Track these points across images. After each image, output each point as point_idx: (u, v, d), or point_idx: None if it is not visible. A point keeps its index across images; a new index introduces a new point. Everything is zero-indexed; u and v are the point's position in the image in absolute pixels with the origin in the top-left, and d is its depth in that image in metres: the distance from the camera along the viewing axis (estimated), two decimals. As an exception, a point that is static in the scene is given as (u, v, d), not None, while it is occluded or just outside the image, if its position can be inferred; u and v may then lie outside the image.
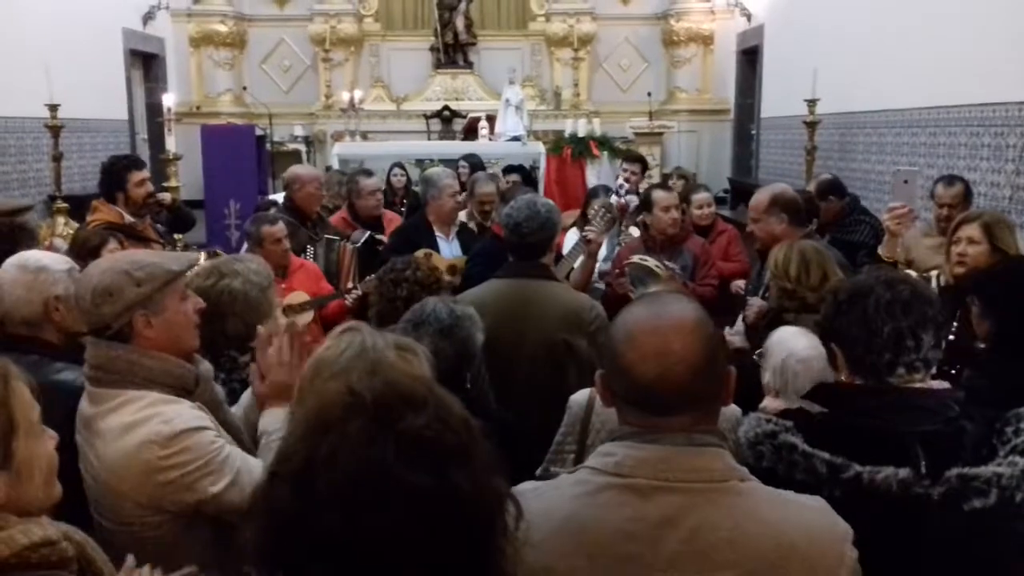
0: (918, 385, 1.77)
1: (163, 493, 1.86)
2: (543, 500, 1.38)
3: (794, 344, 2.53)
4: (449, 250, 4.62)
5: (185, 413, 1.93)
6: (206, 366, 2.14)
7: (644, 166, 6.88)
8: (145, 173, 4.79)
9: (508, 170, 7.41)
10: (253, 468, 1.93)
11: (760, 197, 3.67)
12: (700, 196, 5.38)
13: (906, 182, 3.36)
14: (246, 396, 2.27)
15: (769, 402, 2.55)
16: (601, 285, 4.25)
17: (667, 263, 4.03)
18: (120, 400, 1.93)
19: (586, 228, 3.87)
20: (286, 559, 1.02)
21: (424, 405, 1.06)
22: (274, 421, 2.04)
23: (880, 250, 3.42)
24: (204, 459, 1.88)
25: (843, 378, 1.86)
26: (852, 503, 1.44)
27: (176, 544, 1.87)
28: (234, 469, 1.91)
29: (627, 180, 6.10)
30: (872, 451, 1.66)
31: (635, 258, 3.96)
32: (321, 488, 1.00)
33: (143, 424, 1.88)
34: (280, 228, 4.13)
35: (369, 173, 5.67)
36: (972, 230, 3.15)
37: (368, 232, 4.92)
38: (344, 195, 6.83)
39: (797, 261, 3.01)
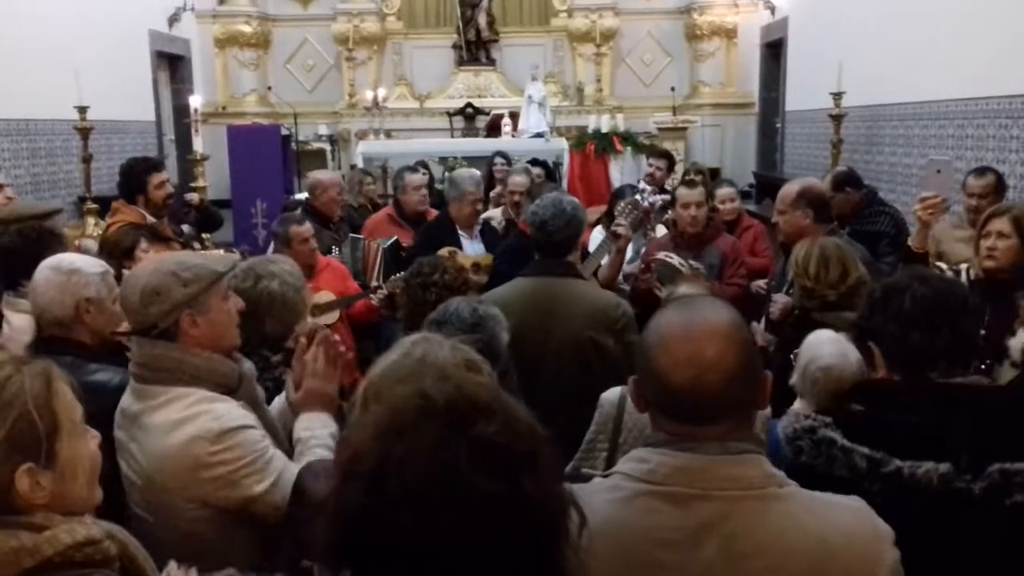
0: (957, 380, 1.76)
1: (209, 489, 1.90)
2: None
3: (819, 350, 2.53)
4: (472, 248, 4.64)
5: (234, 411, 1.97)
6: (248, 365, 2.18)
7: (671, 162, 6.82)
8: (164, 175, 4.85)
9: (531, 164, 7.40)
10: (291, 470, 1.96)
11: (789, 189, 3.66)
12: (723, 191, 5.35)
13: (939, 171, 3.33)
14: (278, 401, 2.30)
15: (799, 406, 2.55)
16: (626, 287, 4.24)
17: (692, 262, 4.01)
18: (167, 397, 1.97)
19: (614, 224, 3.87)
20: (356, 557, 1.05)
21: (494, 412, 1.07)
22: (309, 427, 2.06)
23: (910, 241, 3.39)
24: (251, 457, 1.92)
25: (881, 376, 1.85)
26: (892, 498, 1.43)
27: (217, 542, 1.90)
28: (278, 470, 1.94)
29: (652, 176, 6.07)
30: (912, 446, 1.64)
31: (660, 255, 3.95)
32: (394, 489, 1.02)
33: (193, 420, 1.92)
34: (308, 228, 4.18)
35: (414, 169, 5.68)
36: (1002, 224, 3.10)
37: (395, 238, 4.93)
38: (367, 194, 6.92)
39: (817, 258, 3.00)
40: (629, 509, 1.32)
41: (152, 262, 2.15)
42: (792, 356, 2.65)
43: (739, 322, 1.37)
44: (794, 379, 2.55)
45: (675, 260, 3.86)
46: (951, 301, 1.77)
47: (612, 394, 2.51)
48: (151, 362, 2.00)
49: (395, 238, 4.95)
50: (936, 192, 3.24)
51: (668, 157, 6.72)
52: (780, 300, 3.34)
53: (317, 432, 2.04)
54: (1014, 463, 1.58)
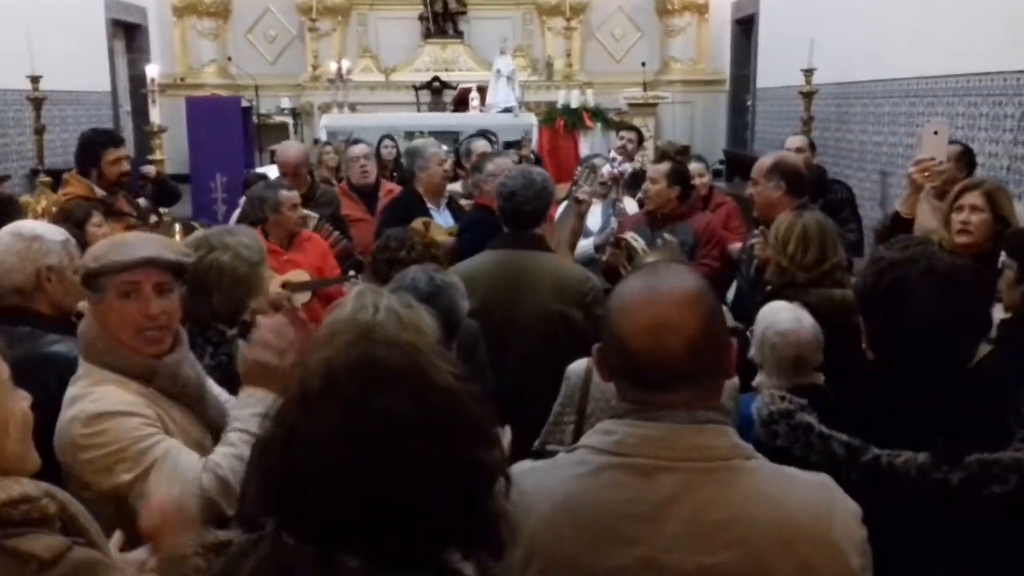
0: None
1: (86, 471, 1.90)
2: (541, 480, 1.34)
3: (775, 317, 2.56)
4: (442, 220, 4.56)
5: (114, 396, 1.93)
6: (181, 354, 2.08)
7: (640, 137, 6.93)
8: (122, 151, 4.68)
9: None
10: (183, 464, 1.92)
11: (762, 162, 3.65)
12: (692, 167, 5.30)
13: (936, 133, 3.28)
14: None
15: (761, 379, 2.55)
16: (600, 256, 4.20)
17: (666, 235, 3.97)
18: (82, 371, 1.99)
19: (574, 189, 3.86)
20: (283, 515, 1.07)
21: (403, 379, 1.06)
22: (243, 406, 2.00)
23: (898, 205, 3.35)
24: (120, 445, 1.89)
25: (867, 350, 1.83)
26: (869, 487, 1.40)
27: (117, 520, 1.82)
28: (150, 462, 1.90)
29: (624, 148, 6.11)
30: (889, 432, 1.62)
31: (628, 235, 3.91)
32: (302, 459, 1.03)
33: (79, 400, 1.94)
34: (295, 194, 4.06)
35: (356, 141, 5.60)
36: (975, 198, 3.07)
37: (316, 216, 4.74)
38: (333, 166, 6.79)
39: (797, 237, 2.94)
40: (595, 483, 1.30)
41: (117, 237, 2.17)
42: (748, 332, 2.65)
43: (704, 288, 1.33)
44: (752, 351, 2.56)
45: (639, 243, 3.81)
46: (945, 286, 1.71)
47: (578, 366, 2.50)
48: (81, 334, 2.04)
49: (316, 217, 4.73)
50: (932, 155, 3.19)
51: (637, 131, 6.84)
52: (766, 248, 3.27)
53: (241, 415, 1.98)
54: (992, 453, 1.58)
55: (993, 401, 1.69)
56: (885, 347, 1.77)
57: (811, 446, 1.66)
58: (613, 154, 5.86)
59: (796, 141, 5.54)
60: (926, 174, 3.20)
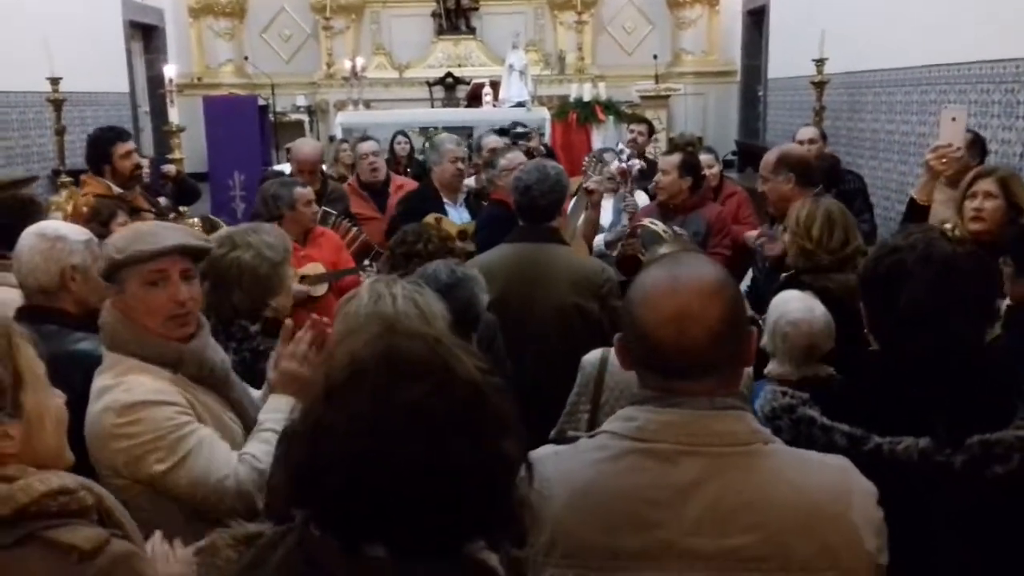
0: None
1: (119, 461, 1.89)
2: (563, 465, 1.36)
3: (787, 307, 2.55)
4: (457, 216, 4.60)
5: (148, 384, 1.93)
6: (204, 340, 2.11)
7: (651, 129, 6.97)
8: (130, 145, 4.74)
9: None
10: (218, 455, 1.94)
11: (768, 157, 3.63)
12: (703, 158, 5.33)
13: (954, 119, 3.23)
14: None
15: (773, 367, 2.57)
16: (611, 253, 4.24)
17: (675, 228, 4.01)
18: (109, 362, 1.99)
19: (584, 180, 3.89)
20: (309, 507, 1.09)
21: (426, 372, 1.07)
22: (268, 411, 2.05)
23: (914, 192, 3.33)
24: (155, 434, 1.89)
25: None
26: (873, 475, 1.42)
27: (151, 512, 1.86)
28: (186, 451, 1.90)
29: (635, 141, 6.14)
30: (891, 419, 1.63)
31: (646, 221, 3.95)
32: (326, 450, 1.04)
33: (110, 390, 1.92)
34: (309, 191, 4.07)
35: (365, 138, 5.62)
36: (988, 184, 3.05)
37: (321, 209, 4.79)
38: (344, 161, 6.84)
39: (822, 221, 2.92)
40: (616, 468, 1.32)
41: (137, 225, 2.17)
42: (760, 320, 2.65)
43: (725, 277, 1.35)
44: (764, 340, 2.56)
45: (659, 226, 3.85)
46: (950, 274, 1.70)
47: (593, 356, 2.52)
48: (104, 326, 2.03)
49: (322, 210, 4.77)
50: (951, 141, 3.16)
51: (647, 123, 6.87)
52: (775, 246, 3.30)
53: (271, 417, 2.02)
54: (993, 433, 1.58)
55: (997, 386, 1.67)
56: (883, 332, 1.76)
57: (813, 439, 1.65)
58: (622, 147, 5.90)
59: (808, 132, 5.56)
60: (943, 160, 3.17)
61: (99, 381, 1.97)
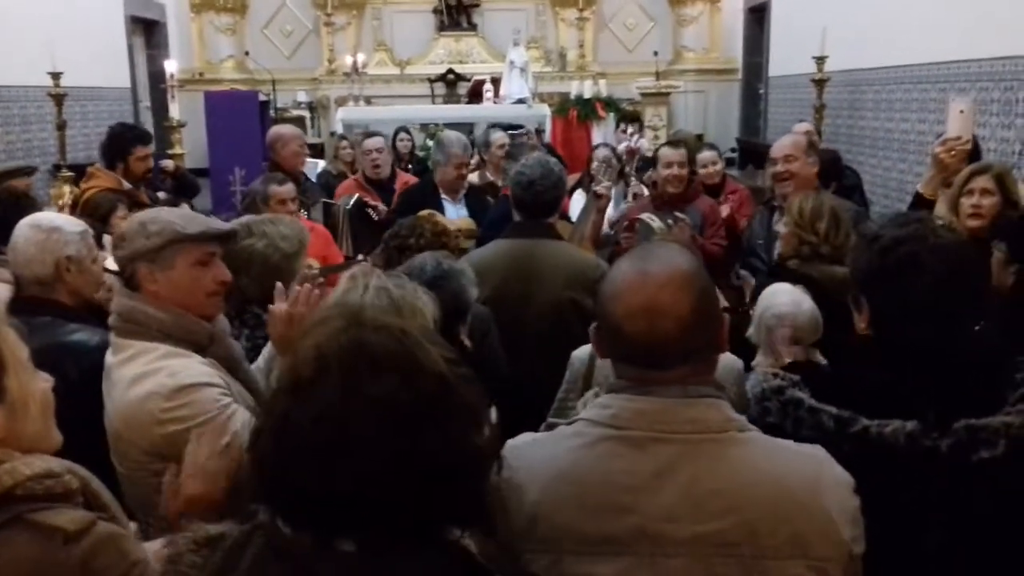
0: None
1: (164, 445, 1.88)
2: (540, 451, 1.38)
3: (774, 299, 2.56)
4: (455, 213, 4.60)
5: (193, 368, 1.94)
6: (223, 323, 2.15)
7: (641, 124, 7.50)
8: (149, 150, 4.82)
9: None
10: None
11: (798, 139, 3.67)
12: (705, 155, 5.34)
13: (962, 111, 3.23)
14: (268, 348, 2.29)
15: (759, 358, 2.58)
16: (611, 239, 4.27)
17: (677, 214, 4.02)
18: (135, 350, 1.96)
19: (594, 184, 3.90)
20: (278, 504, 1.08)
21: (392, 365, 1.07)
22: None
23: (920, 187, 3.34)
24: (205, 416, 1.89)
25: (862, 328, 1.80)
26: (860, 457, 1.43)
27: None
28: (234, 430, 1.90)
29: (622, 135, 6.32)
30: (880, 404, 1.63)
31: (643, 216, 3.95)
32: (294, 444, 1.04)
33: (151, 376, 1.90)
34: (288, 189, 4.06)
35: (370, 134, 5.63)
36: (985, 181, 3.07)
37: (356, 196, 4.86)
38: (343, 159, 6.86)
39: (828, 217, 2.91)
40: (591, 454, 1.34)
41: (143, 212, 2.14)
42: (749, 311, 2.66)
43: (695, 267, 1.36)
44: (751, 331, 2.58)
45: (656, 222, 3.85)
46: (967, 280, 1.68)
47: (582, 351, 2.53)
48: (124, 313, 1.99)
49: (356, 196, 4.87)
50: (959, 134, 3.16)
51: (638, 121, 7.42)
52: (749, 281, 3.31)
53: None
54: (980, 418, 1.57)
55: (987, 374, 1.67)
56: (886, 323, 1.73)
57: (801, 420, 1.65)
58: (630, 128, 5.95)
59: (804, 126, 5.59)
60: (952, 153, 3.17)
61: (129, 369, 1.94)
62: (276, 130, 5.26)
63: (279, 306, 2.11)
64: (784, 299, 2.54)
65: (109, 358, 2.02)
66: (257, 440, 1.10)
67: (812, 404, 1.67)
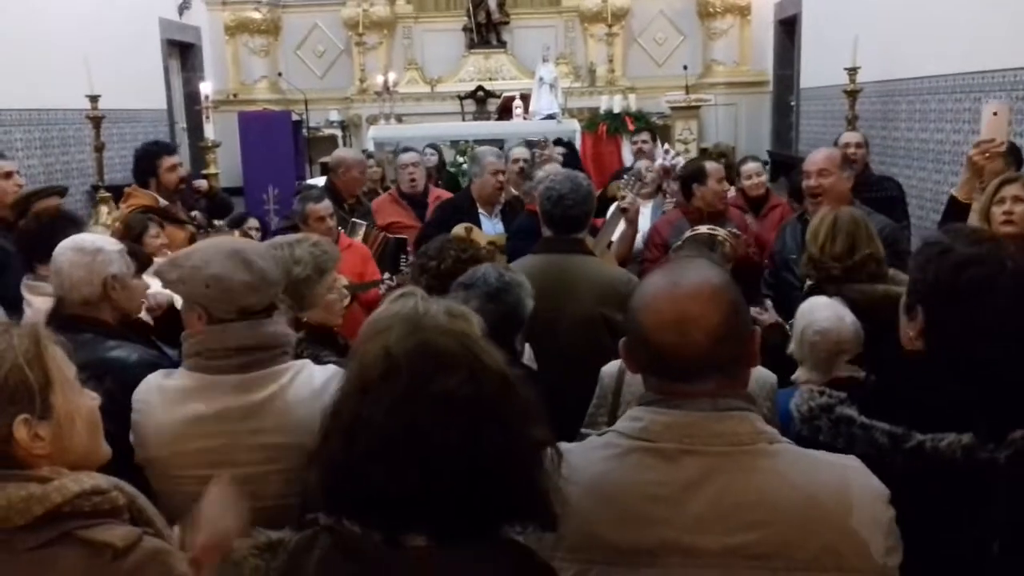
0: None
1: None
2: (573, 461, 1.38)
3: (815, 315, 2.56)
4: (491, 227, 4.63)
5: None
6: None
7: (654, 135, 7.53)
8: (176, 158, 4.88)
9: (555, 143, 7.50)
10: None
11: (833, 153, 3.70)
12: (749, 166, 5.29)
13: (995, 114, 3.22)
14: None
15: (801, 373, 2.55)
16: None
17: (732, 229, 4.00)
18: (294, 370, 1.99)
19: (619, 198, 3.91)
20: (343, 506, 1.12)
21: (458, 364, 1.11)
22: None
23: (954, 191, 3.31)
24: None
25: (911, 338, 1.78)
26: (917, 473, 1.41)
27: None
28: None
29: (641, 150, 6.44)
30: (930, 418, 1.61)
31: (703, 228, 3.89)
32: (364, 445, 1.08)
33: (334, 380, 1.94)
34: (325, 206, 4.13)
35: (405, 149, 5.70)
36: (1017, 189, 3.05)
37: (404, 237, 4.81)
38: (377, 178, 6.93)
39: (827, 228, 2.93)
40: (621, 465, 1.35)
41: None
42: (788, 326, 2.64)
43: (725, 281, 1.37)
44: (792, 347, 2.57)
45: (720, 231, 3.80)
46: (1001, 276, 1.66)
47: (611, 367, 2.54)
48: (266, 342, 1.99)
49: (403, 238, 4.84)
50: (993, 136, 3.14)
51: (651, 132, 7.58)
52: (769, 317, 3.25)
53: None
54: None
55: None
56: (949, 341, 1.70)
57: (854, 438, 1.64)
58: (666, 146, 5.96)
59: (853, 137, 5.47)
60: (987, 156, 3.15)
61: (298, 390, 1.95)
62: (340, 155, 5.34)
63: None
64: (826, 313, 2.53)
65: (239, 400, 1.96)
66: (326, 442, 1.14)
67: (864, 421, 1.66)
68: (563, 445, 1.47)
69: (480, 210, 4.70)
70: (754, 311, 3.27)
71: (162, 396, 2.00)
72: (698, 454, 1.31)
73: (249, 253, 2.02)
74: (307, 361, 2.05)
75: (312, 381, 1.97)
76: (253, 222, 6.40)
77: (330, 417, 1.15)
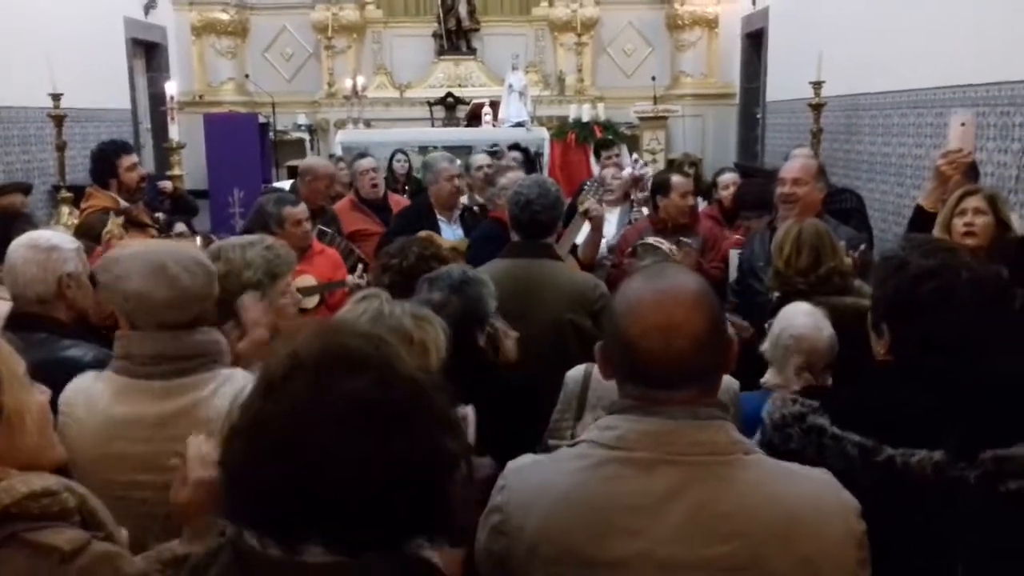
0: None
1: None
2: (543, 473, 1.37)
3: (794, 320, 2.55)
4: (451, 233, 4.62)
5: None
6: None
7: (618, 148, 7.69)
8: (134, 157, 4.80)
9: (510, 149, 7.57)
10: None
11: (809, 163, 3.74)
12: (726, 177, 5.34)
13: (963, 124, 3.28)
14: None
15: (770, 376, 2.56)
16: (608, 261, 4.27)
17: (683, 239, 4.03)
18: (224, 375, 1.96)
19: (581, 203, 3.95)
20: (242, 512, 1.07)
21: (367, 367, 1.06)
22: None
23: (921, 200, 3.36)
24: None
25: (881, 354, 1.79)
26: (885, 487, 1.41)
27: None
28: None
29: (607, 162, 6.45)
30: (901, 430, 1.62)
31: (650, 239, 3.94)
32: (265, 445, 1.04)
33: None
34: (301, 210, 4.06)
35: (363, 155, 5.67)
36: (977, 201, 3.12)
37: (318, 227, 4.77)
38: (347, 182, 6.87)
39: (792, 241, 2.94)
40: (596, 476, 1.32)
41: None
42: (766, 326, 2.65)
43: (706, 289, 1.37)
44: (764, 346, 2.56)
45: (664, 245, 3.84)
46: (997, 313, 1.70)
47: (576, 372, 2.54)
48: (188, 352, 1.94)
49: (318, 228, 4.72)
50: (961, 146, 3.20)
51: (617, 146, 7.68)
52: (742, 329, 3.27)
53: None
54: (1007, 448, 1.57)
55: (1009, 401, 1.64)
56: (913, 354, 1.71)
57: (824, 448, 1.64)
58: (635, 156, 6.00)
59: (803, 151, 5.59)
60: (953, 165, 3.20)
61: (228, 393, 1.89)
62: (311, 163, 5.22)
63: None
64: (804, 320, 2.52)
65: (158, 406, 1.92)
66: (229, 442, 1.09)
67: (835, 432, 1.66)
68: (532, 457, 1.47)
69: (439, 216, 4.70)
70: (735, 325, 3.30)
71: (87, 398, 1.94)
72: (674, 464, 1.30)
73: (173, 268, 1.92)
74: (237, 370, 1.97)
75: (239, 390, 1.92)
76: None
77: (236, 416, 1.11)
